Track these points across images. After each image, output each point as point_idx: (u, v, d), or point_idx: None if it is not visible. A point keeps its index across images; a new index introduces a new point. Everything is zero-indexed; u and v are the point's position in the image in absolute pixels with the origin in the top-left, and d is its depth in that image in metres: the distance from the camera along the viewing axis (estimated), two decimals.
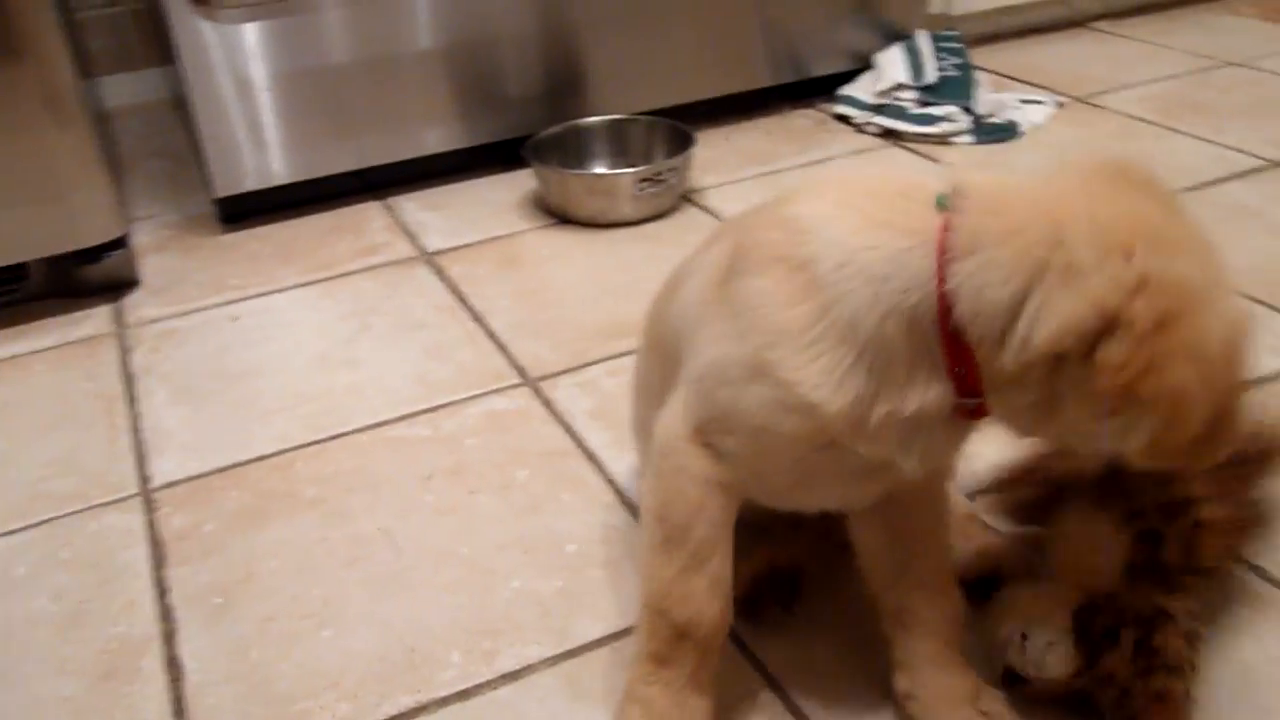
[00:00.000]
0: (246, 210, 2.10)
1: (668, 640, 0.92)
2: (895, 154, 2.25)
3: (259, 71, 1.98)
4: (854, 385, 0.78)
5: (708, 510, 0.88)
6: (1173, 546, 0.96)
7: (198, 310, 1.81)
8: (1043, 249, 0.72)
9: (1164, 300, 0.68)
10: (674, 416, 0.89)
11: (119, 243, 1.85)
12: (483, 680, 1.07)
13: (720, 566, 0.91)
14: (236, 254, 1.99)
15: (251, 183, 2.05)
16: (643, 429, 1.07)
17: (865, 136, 2.34)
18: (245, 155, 2.03)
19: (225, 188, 2.04)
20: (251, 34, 1.95)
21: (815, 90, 2.48)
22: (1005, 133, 2.27)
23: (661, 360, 0.98)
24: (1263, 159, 2.12)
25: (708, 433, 0.87)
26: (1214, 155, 2.15)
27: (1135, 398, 0.68)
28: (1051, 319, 0.70)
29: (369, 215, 2.11)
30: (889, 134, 2.32)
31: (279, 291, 1.85)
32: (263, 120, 2.01)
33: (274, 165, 2.06)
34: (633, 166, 2.04)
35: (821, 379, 0.78)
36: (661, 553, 0.90)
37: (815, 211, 0.80)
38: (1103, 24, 2.95)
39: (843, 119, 2.40)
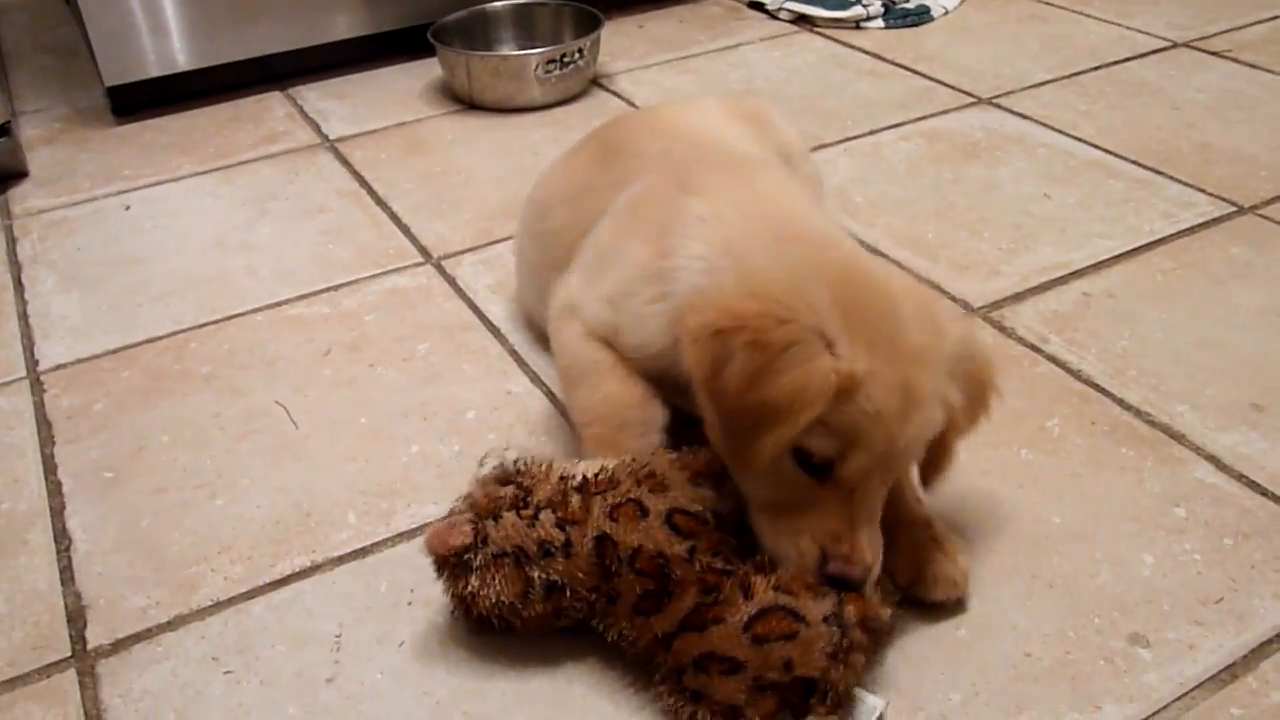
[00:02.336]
0: (141, 102, 2.02)
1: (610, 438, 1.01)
2: (808, 40, 2.23)
3: None
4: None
5: (591, 348, 1.05)
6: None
7: (88, 200, 1.74)
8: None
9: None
10: (567, 304, 1.08)
11: (2, 131, 1.77)
12: (380, 539, 1.07)
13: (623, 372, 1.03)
14: (130, 145, 1.92)
15: (143, 71, 1.97)
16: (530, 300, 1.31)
17: (778, 23, 2.31)
18: (137, 43, 1.94)
19: (116, 76, 1.96)
20: None
21: None
22: (917, 17, 2.26)
23: (547, 249, 1.20)
24: (1165, 39, 2.14)
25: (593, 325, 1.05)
26: (1119, 36, 2.17)
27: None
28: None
29: (270, 105, 2.05)
30: (802, 19, 2.30)
31: (174, 180, 1.79)
32: (155, 4, 1.92)
33: (167, 53, 1.98)
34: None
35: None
36: (578, 385, 1.05)
37: (703, 212, 0.97)
38: None
39: (756, 5, 2.37)
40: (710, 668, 0.82)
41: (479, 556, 0.88)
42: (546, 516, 0.88)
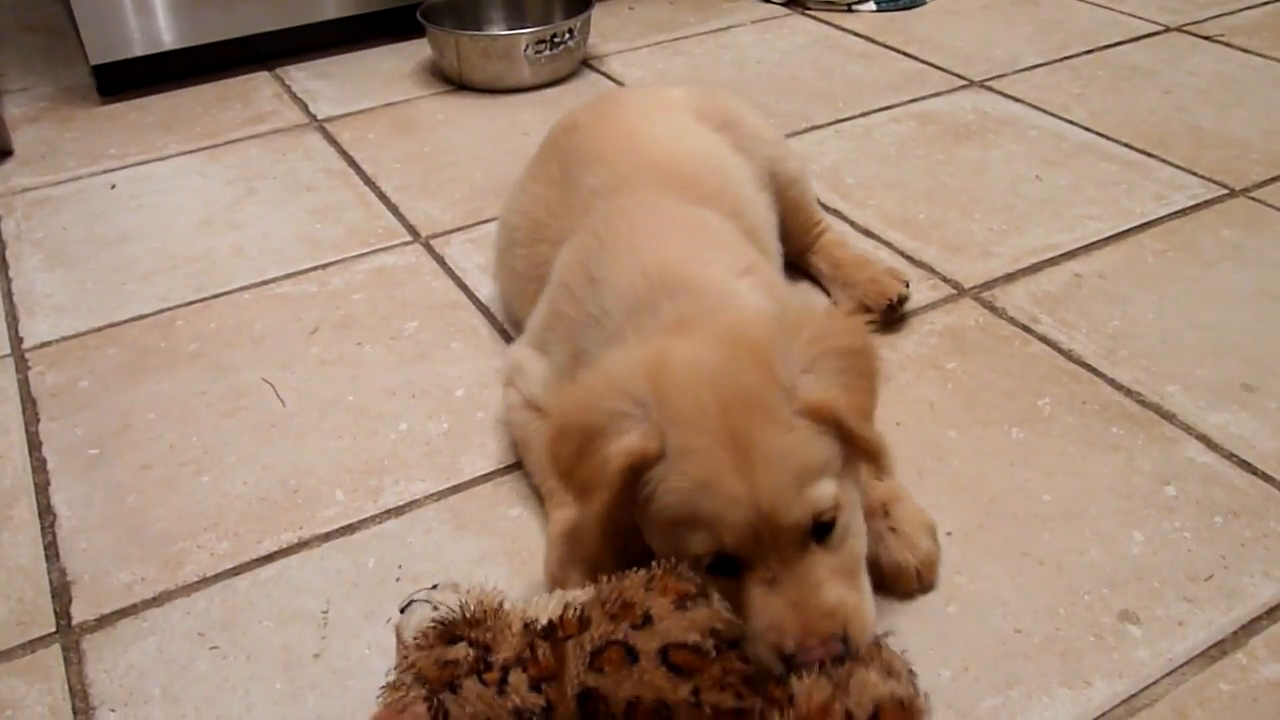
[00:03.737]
0: (128, 81, 2.00)
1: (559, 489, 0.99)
2: (799, 22, 2.22)
3: None
4: None
5: (527, 417, 1.08)
6: None
7: (73, 179, 1.73)
8: None
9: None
10: (511, 371, 1.11)
11: None
12: (367, 515, 1.06)
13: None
14: (116, 124, 1.90)
15: (129, 50, 1.95)
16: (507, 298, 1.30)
17: (769, 5, 2.30)
18: (122, 21, 1.92)
19: (101, 54, 1.94)
20: None
21: None
22: (910, 0, 2.25)
23: (514, 287, 1.24)
24: (1158, 23, 2.14)
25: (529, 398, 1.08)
26: (1111, 20, 2.16)
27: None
28: None
29: (257, 85, 2.03)
30: (793, 2, 2.28)
31: (160, 160, 1.77)
32: None
33: (153, 31, 1.96)
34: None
35: None
36: (526, 450, 1.08)
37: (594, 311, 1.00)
38: None
39: None
40: None
41: None
42: (517, 678, 0.72)
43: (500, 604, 0.78)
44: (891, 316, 1.29)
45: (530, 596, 0.83)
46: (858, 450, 0.84)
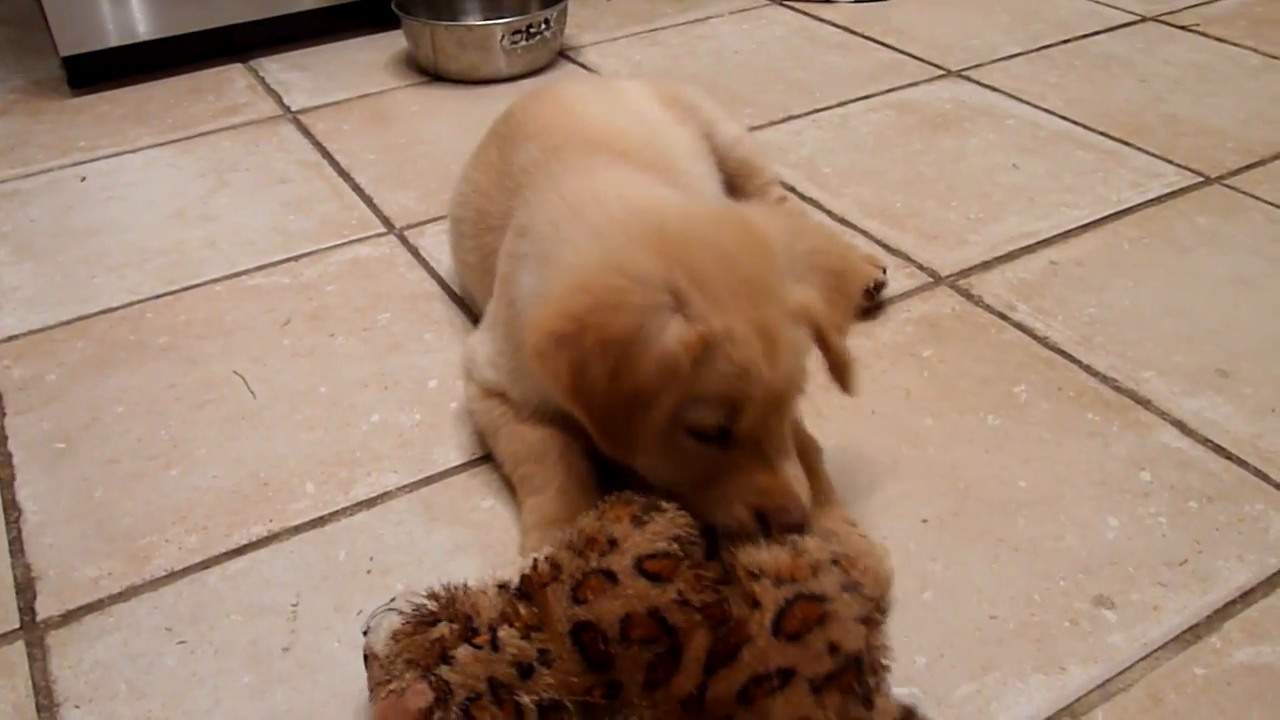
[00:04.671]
0: (98, 73, 1.98)
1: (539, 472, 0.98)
2: (777, 13, 2.21)
3: None
4: None
5: (488, 405, 1.07)
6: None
7: (43, 171, 1.70)
8: None
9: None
10: (466, 366, 1.10)
11: None
12: (338, 507, 1.05)
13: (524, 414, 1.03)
14: (86, 116, 1.88)
15: (100, 41, 1.93)
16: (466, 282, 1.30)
17: None
18: (93, 12, 1.90)
19: (71, 46, 1.91)
20: None
21: None
22: None
23: (470, 278, 1.23)
24: (1134, 13, 2.14)
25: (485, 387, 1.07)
26: (1088, 10, 2.16)
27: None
28: None
29: (231, 76, 2.01)
30: None
31: (131, 152, 1.75)
32: None
33: (125, 23, 1.93)
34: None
35: None
36: (492, 438, 1.06)
37: (529, 249, 1.00)
38: None
39: None
40: (758, 695, 0.72)
41: (449, 711, 0.71)
42: (506, 634, 0.74)
43: (465, 583, 0.78)
44: (868, 303, 1.28)
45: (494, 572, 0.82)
46: (834, 363, 0.89)
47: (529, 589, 0.76)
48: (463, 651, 0.73)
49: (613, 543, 0.76)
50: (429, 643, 0.74)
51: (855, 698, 0.73)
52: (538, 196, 1.02)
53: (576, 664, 0.74)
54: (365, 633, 0.79)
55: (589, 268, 0.84)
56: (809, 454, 0.97)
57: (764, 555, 0.77)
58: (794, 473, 0.85)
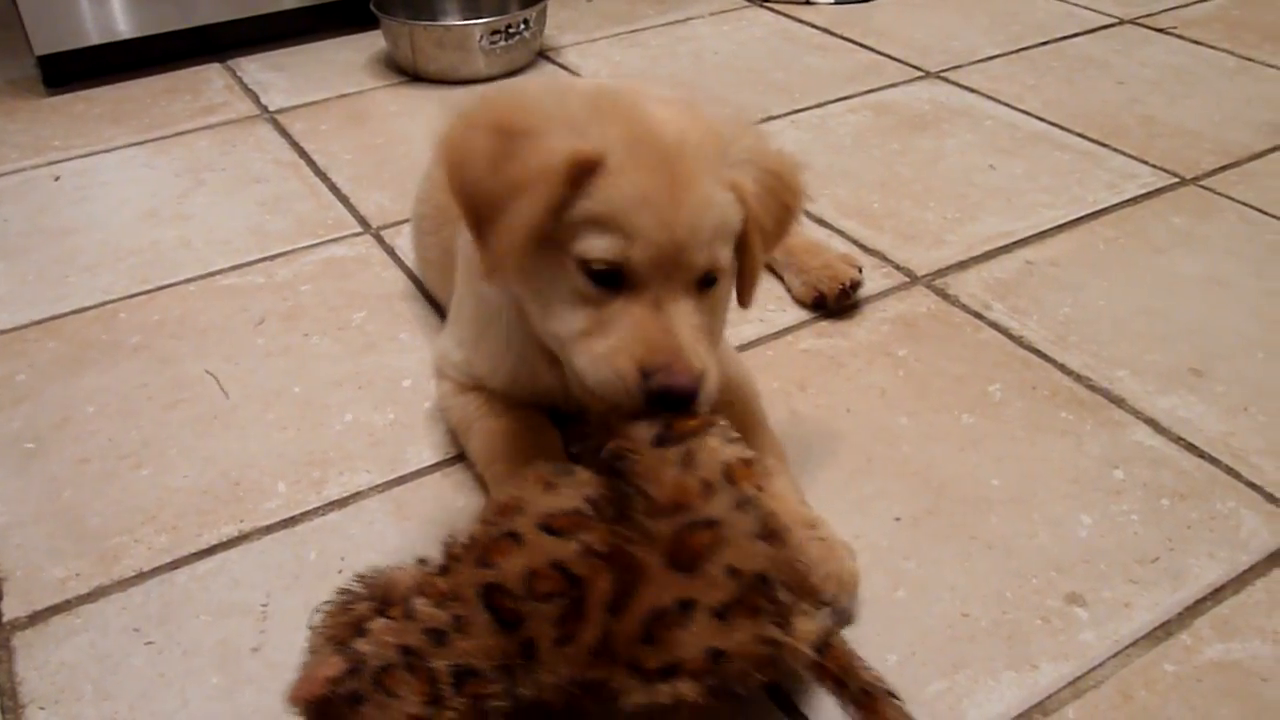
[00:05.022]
0: (74, 72, 1.96)
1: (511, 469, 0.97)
2: (757, 14, 2.21)
3: None
4: None
5: (461, 401, 1.06)
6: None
7: (16, 171, 1.69)
8: None
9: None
10: (437, 364, 1.09)
11: None
12: (310, 507, 1.04)
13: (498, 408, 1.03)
14: (61, 115, 1.86)
15: (75, 40, 1.91)
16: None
17: None
18: (68, 11, 1.88)
19: (46, 45, 1.90)
20: None
21: None
22: None
23: (433, 276, 1.24)
24: (1111, 16, 2.15)
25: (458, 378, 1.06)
26: (1066, 13, 2.17)
27: None
28: None
29: (208, 76, 2.00)
30: None
31: (106, 151, 1.74)
32: None
33: (100, 21, 1.92)
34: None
35: None
36: (466, 437, 1.06)
37: None
38: None
39: None
40: (662, 632, 0.71)
41: (362, 680, 0.70)
42: (420, 603, 0.73)
43: (387, 568, 0.79)
44: (845, 302, 1.28)
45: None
46: (744, 263, 0.87)
47: (447, 562, 0.76)
48: (377, 624, 0.73)
49: (520, 509, 0.76)
50: (348, 622, 0.74)
51: (765, 618, 0.71)
52: None
53: (489, 627, 0.72)
54: (311, 627, 0.78)
55: (518, 94, 0.85)
56: (749, 402, 0.99)
57: (652, 454, 0.75)
58: (693, 342, 0.80)
